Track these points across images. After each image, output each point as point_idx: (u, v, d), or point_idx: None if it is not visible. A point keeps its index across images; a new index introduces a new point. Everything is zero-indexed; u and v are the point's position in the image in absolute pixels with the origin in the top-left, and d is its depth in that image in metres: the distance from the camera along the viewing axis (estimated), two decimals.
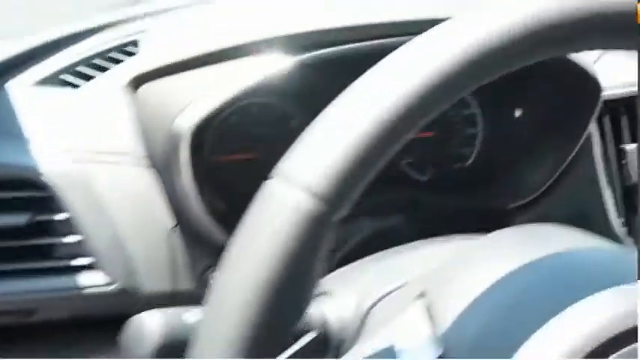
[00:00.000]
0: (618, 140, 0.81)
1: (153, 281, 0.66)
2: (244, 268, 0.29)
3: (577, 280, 0.37)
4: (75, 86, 0.72)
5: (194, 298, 0.55)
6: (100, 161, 0.66)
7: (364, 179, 0.29)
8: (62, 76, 0.73)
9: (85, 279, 0.63)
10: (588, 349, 0.29)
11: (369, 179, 0.29)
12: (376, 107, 0.29)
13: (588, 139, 0.78)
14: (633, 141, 0.81)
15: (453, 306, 0.38)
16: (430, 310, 0.39)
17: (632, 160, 0.79)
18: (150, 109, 0.69)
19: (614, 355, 0.30)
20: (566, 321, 0.31)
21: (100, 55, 0.75)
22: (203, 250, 0.68)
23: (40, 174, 0.61)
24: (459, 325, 0.37)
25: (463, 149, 0.83)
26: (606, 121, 0.81)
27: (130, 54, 0.74)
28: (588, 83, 0.76)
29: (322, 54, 0.68)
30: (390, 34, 0.69)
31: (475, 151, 0.83)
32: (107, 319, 0.61)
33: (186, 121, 0.65)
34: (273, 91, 0.70)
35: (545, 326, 0.31)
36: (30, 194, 0.62)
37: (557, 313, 0.31)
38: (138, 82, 0.70)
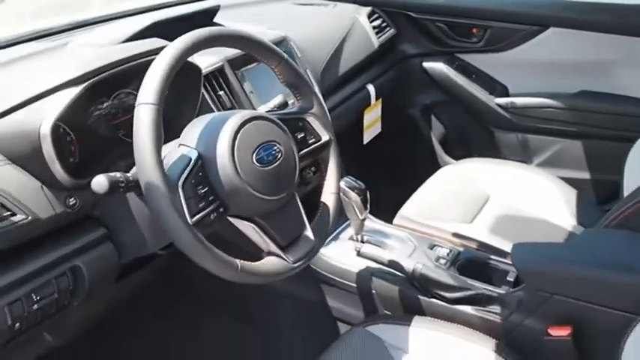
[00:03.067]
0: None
1: (44, 212, 0.96)
2: None
3: None
4: None
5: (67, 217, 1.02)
6: None
7: None
8: None
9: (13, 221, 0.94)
10: None
11: None
12: None
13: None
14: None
15: None
16: None
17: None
18: (8, 132, 0.97)
19: None
20: None
21: None
22: (62, 189, 1.01)
23: None
24: None
25: None
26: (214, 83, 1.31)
27: None
28: (194, 68, 1.19)
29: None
30: None
31: None
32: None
33: (45, 126, 0.96)
34: None
35: None
36: None
37: None
38: None
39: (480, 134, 2.25)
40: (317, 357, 1.17)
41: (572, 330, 1.12)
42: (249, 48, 1.03)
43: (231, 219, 0.96)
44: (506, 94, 2.15)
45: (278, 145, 0.97)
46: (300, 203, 1.04)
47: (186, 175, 0.87)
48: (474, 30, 2.13)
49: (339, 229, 1.56)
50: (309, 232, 1.03)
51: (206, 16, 1.54)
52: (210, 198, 0.90)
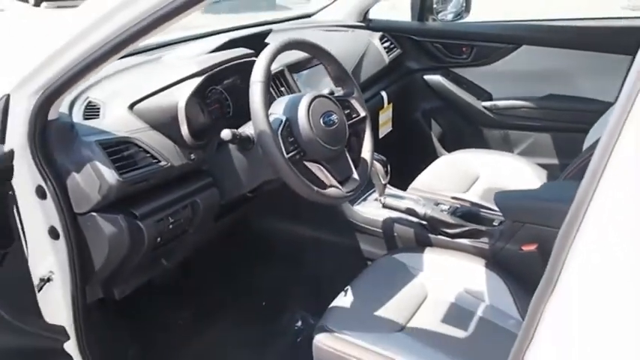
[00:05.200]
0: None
1: (176, 161, 1.35)
2: None
3: None
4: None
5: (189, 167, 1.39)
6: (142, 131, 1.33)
7: None
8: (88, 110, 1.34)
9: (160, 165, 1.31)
10: None
11: None
12: None
13: None
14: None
15: None
16: None
17: None
18: (153, 108, 1.36)
19: None
20: None
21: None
22: (186, 147, 1.38)
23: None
24: None
25: None
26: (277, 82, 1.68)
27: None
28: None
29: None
30: None
31: None
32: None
33: (181, 102, 1.34)
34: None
35: None
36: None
37: None
38: (132, 106, 1.35)
39: (470, 131, 2.62)
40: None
41: (538, 246, 1.50)
42: (314, 52, 1.44)
43: (306, 162, 1.35)
44: (491, 99, 2.54)
45: (335, 115, 1.37)
46: (349, 156, 1.44)
47: (281, 129, 1.27)
48: (464, 49, 2.54)
49: (367, 193, 1.95)
50: (355, 175, 1.42)
51: (261, 37, 1.93)
52: (295, 145, 1.30)
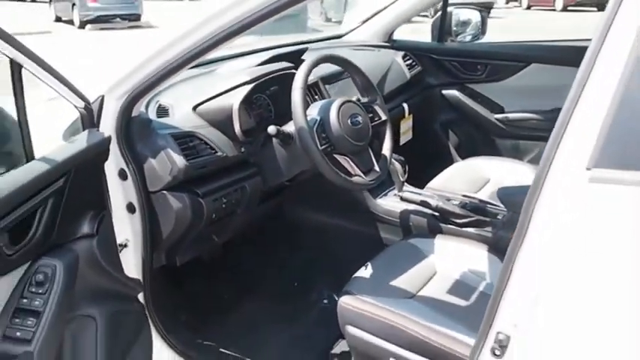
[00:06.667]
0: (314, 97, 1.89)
1: (230, 152, 1.65)
2: None
3: None
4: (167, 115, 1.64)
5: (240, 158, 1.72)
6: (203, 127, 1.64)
7: None
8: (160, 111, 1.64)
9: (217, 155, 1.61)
10: None
11: None
12: None
13: None
14: None
15: None
16: None
17: None
18: (212, 109, 1.67)
19: None
20: None
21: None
22: (237, 141, 1.69)
23: None
24: None
25: None
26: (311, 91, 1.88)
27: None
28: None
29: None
30: None
31: None
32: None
33: (235, 104, 1.64)
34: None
35: None
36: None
37: None
38: (195, 107, 1.65)
39: (483, 140, 2.88)
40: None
41: None
42: (344, 65, 1.74)
43: (335, 155, 1.63)
44: (503, 112, 2.80)
45: (360, 116, 1.66)
46: (371, 152, 1.72)
47: (316, 127, 1.56)
48: (479, 66, 2.82)
49: (388, 189, 2.22)
50: (376, 167, 1.70)
51: (299, 54, 2.20)
52: (326, 140, 1.59)
